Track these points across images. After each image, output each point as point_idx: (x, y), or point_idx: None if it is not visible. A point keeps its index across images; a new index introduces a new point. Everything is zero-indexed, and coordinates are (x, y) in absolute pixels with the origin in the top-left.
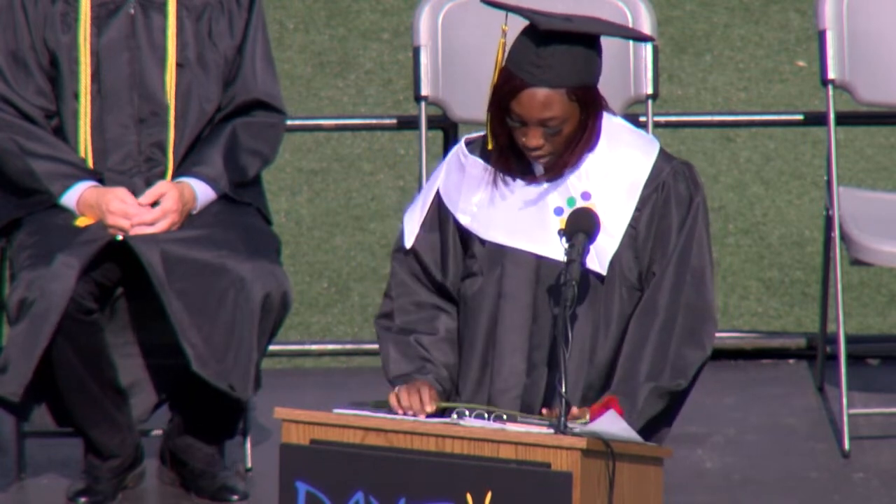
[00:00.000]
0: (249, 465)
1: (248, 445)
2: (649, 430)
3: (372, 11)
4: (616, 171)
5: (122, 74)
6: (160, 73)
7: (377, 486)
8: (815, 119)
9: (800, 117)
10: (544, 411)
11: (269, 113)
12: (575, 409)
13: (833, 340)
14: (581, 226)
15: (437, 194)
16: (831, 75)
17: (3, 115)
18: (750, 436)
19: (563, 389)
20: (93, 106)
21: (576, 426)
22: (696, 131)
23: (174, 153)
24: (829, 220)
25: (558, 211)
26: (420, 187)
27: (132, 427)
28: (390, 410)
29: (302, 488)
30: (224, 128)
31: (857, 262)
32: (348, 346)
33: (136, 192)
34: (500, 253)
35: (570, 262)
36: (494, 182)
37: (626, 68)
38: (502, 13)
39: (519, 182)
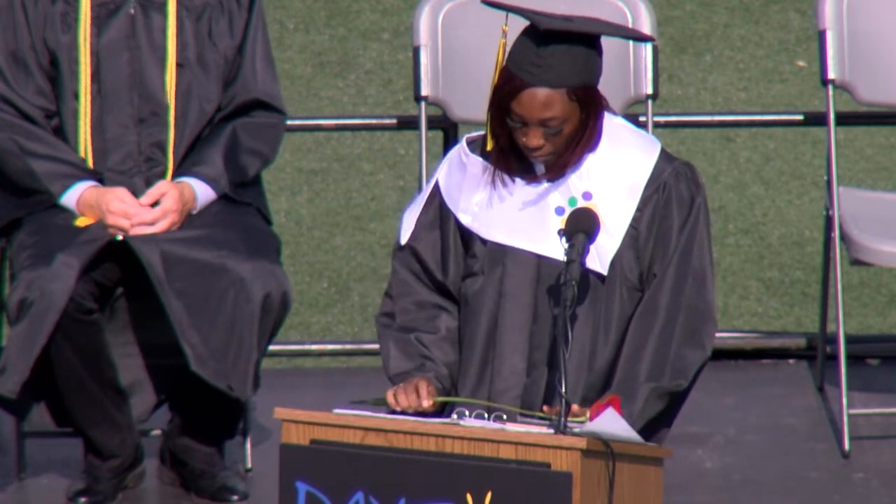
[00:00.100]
0: (249, 465)
1: (248, 445)
2: (649, 430)
3: (372, 11)
4: (617, 171)
5: (122, 74)
6: (160, 73)
7: (377, 486)
8: (815, 119)
9: (800, 117)
10: (545, 409)
11: (269, 113)
12: (575, 407)
13: (833, 340)
14: (581, 226)
15: (439, 194)
16: (831, 75)
17: (3, 115)
18: (750, 436)
19: (563, 389)
20: (93, 106)
21: (576, 426)
22: (696, 131)
23: (174, 153)
24: (829, 220)
25: (559, 211)
26: (420, 187)
27: (132, 427)
28: (389, 408)
29: (302, 488)
30: (224, 128)
31: (857, 262)
32: (348, 346)
33: (136, 192)
34: (500, 252)
35: (570, 262)
36: (495, 181)
37: (626, 68)
38: (502, 13)
39: (520, 182)
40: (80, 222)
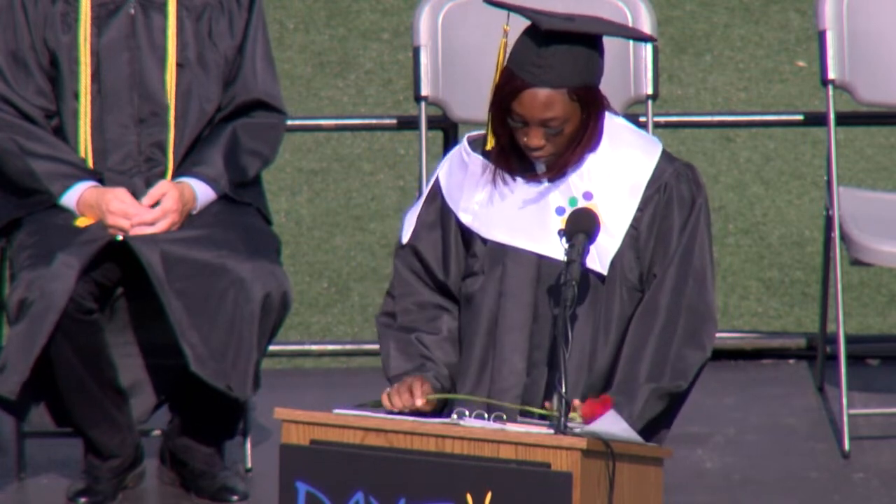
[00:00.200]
0: (249, 465)
1: (248, 445)
2: (649, 431)
3: (372, 11)
4: (618, 171)
5: (122, 74)
6: (160, 73)
7: (377, 487)
8: (815, 119)
9: (800, 117)
10: (547, 405)
11: (269, 113)
12: (576, 401)
13: (833, 340)
14: (581, 226)
15: (440, 193)
16: (831, 75)
17: (3, 115)
18: (750, 436)
19: (563, 389)
20: (93, 106)
21: (576, 426)
22: (696, 131)
23: (174, 153)
24: (829, 220)
25: (560, 211)
26: (420, 187)
27: (132, 427)
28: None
29: (302, 488)
30: (224, 128)
31: (857, 262)
32: (348, 346)
33: (136, 192)
34: (501, 252)
35: (569, 262)
36: (496, 181)
37: (626, 68)
38: (502, 13)
39: (520, 181)
40: (80, 222)
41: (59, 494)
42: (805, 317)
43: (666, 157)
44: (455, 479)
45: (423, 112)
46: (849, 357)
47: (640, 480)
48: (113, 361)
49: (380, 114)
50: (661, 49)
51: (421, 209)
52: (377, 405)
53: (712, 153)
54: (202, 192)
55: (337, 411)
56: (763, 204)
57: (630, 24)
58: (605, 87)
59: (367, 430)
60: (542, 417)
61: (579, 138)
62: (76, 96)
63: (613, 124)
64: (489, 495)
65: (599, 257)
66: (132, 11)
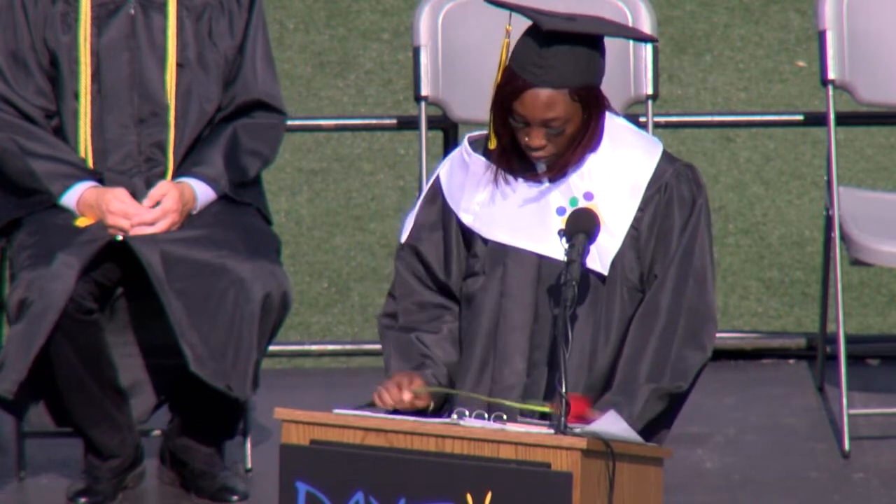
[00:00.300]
0: (249, 465)
1: (248, 445)
2: (649, 431)
3: (372, 11)
4: (619, 172)
5: (122, 74)
6: (160, 73)
7: (377, 487)
8: (815, 119)
9: (800, 117)
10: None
11: (269, 113)
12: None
13: (833, 340)
14: (581, 226)
15: (441, 193)
16: (831, 75)
17: (3, 115)
18: (750, 436)
19: (564, 389)
20: (93, 106)
21: (576, 426)
22: (696, 131)
23: (174, 153)
24: (829, 220)
25: (560, 211)
26: (420, 187)
27: (132, 427)
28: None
29: (302, 488)
30: (225, 129)
31: (857, 262)
32: (348, 346)
33: (136, 193)
34: (502, 252)
35: (569, 262)
36: (497, 180)
37: (626, 68)
38: (503, 13)
39: (521, 181)
40: (80, 222)
41: (59, 494)
42: (805, 317)
43: (666, 157)
44: (455, 479)
45: (423, 112)
46: (849, 357)
47: (640, 480)
48: (113, 361)
49: (380, 114)
50: (661, 49)
51: (422, 210)
52: (370, 404)
53: (712, 153)
54: (202, 193)
55: (337, 411)
56: (763, 204)
57: (630, 24)
58: (605, 87)
59: (367, 430)
60: (542, 416)
61: (580, 138)
62: (76, 96)
63: (614, 124)
64: (489, 495)
65: (600, 257)
66: (132, 11)
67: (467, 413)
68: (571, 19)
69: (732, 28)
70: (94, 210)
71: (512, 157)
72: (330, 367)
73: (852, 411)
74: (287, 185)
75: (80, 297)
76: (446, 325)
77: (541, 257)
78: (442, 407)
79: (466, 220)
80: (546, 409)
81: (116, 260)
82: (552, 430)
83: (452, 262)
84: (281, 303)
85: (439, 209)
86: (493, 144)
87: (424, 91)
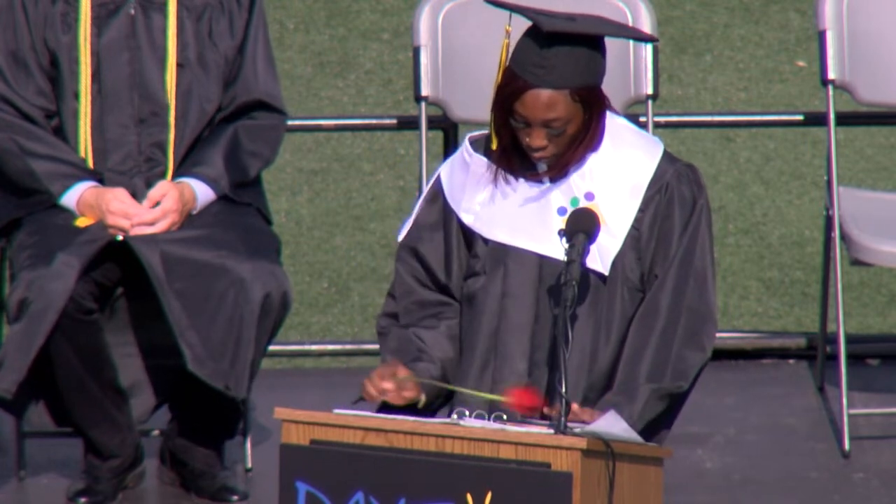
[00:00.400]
0: (249, 465)
1: (248, 445)
2: (649, 431)
3: (372, 11)
4: (620, 172)
5: (122, 74)
6: (160, 74)
7: (377, 486)
8: (815, 119)
9: (800, 117)
10: (545, 410)
11: (269, 114)
12: (575, 406)
13: (833, 340)
14: (581, 226)
15: (442, 193)
16: (831, 75)
17: (3, 115)
18: (750, 436)
19: (564, 389)
20: (93, 106)
21: (576, 426)
22: (696, 131)
23: (174, 153)
24: (829, 220)
25: (561, 211)
26: (420, 187)
27: (132, 427)
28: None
29: (302, 488)
30: (226, 130)
31: (857, 262)
32: (348, 346)
33: (136, 193)
34: (503, 252)
35: (569, 262)
36: (498, 181)
37: (626, 68)
38: (503, 13)
39: (522, 181)
40: (80, 222)
41: (59, 494)
42: (805, 317)
43: (667, 157)
44: (455, 479)
45: (423, 112)
46: (849, 357)
47: (640, 480)
48: (113, 361)
49: (380, 114)
50: (661, 49)
51: (422, 210)
52: (360, 399)
53: (712, 153)
54: (202, 193)
55: (337, 411)
56: (763, 204)
57: (630, 24)
58: (605, 87)
59: (367, 429)
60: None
61: (581, 138)
62: (76, 96)
63: (615, 124)
64: (489, 495)
65: (601, 257)
66: (132, 11)
67: (467, 413)
68: (571, 20)
69: (732, 28)
70: (94, 210)
71: (513, 157)
72: (330, 367)
73: (852, 411)
74: (287, 185)
75: (80, 296)
76: (444, 322)
77: (542, 257)
78: (435, 402)
79: (467, 220)
80: (497, 398)
81: (116, 260)
82: (552, 430)
83: (453, 262)
84: (281, 303)
85: (440, 209)
86: (494, 145)
87: (424, 91)
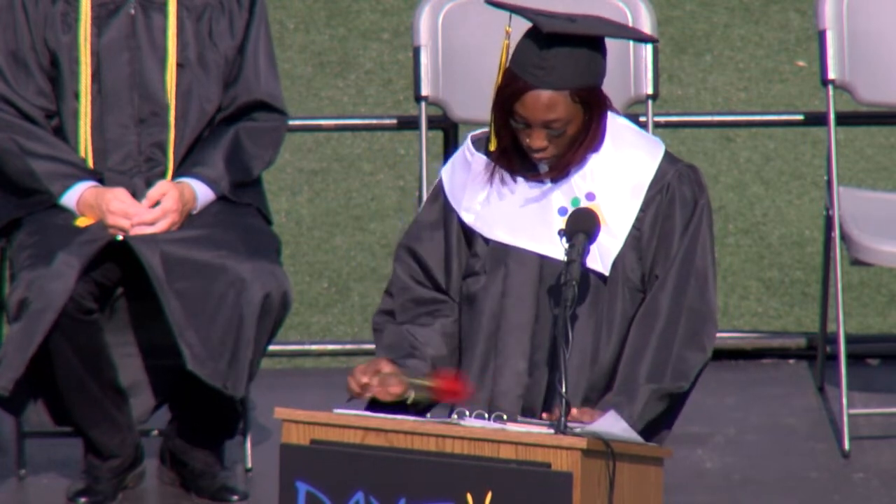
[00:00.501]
0: (249, 465)
1: (248, 445)
2: (649, 432)
3: (372, 11)
4: (621, 172)
5: (122, 74)
6: (160, 74)
7: (377, 486)
8: (815, 119)
9: (800, 117)
10: (545, 416)
11: (270, 114)
12: (574, 411)
13: (833, 340)
14: (581, 226)
15: (443, 192)
16: (831, 75)
17: (3, 115)
18: (750, 436)
19: (564, 390)
20: (93, 106)
21: (576, 426)
22: (696, 131)
23: (174, 153)
24: (829, 220)
25: (562, 211)
26: (420, 187)
27: (132, 427)
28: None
29: (302, 488)
30: (227, 131)
31: (857, 262)
32: (348, 346)
33: (136, 193)
34: (503, 252)
35: (570, 262)
36: (499, 180)
37: (626, 68)
38: (503, 13)
39: (523, 181)
40: (80, 222)
41: (59, 494)
42: (805, 317)
43: (668, 157)
44: (455, 478)
45: (424, 112)
46: (849, 357)
47: (640, 480)
48: (113, 361)
49: (380, 114)
50: (661, 49)
51: (424, 209)
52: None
53: (712, 153)
54: (202, 193)
55: (337, 411)
56: (763, 204)
57: (630, 24)
58: (605, 87)
59: (367, 429)
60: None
61: (582, 139)
62: (76, 96)
63: (616, 125)
64: (489, 495)
65: (601, 257)
66: (132, 11)
67: (467, 413)
68: (571, 20)
69: (732, 28)
70: (94, 210)
71: (513, 157)
72: (330, 367)
73: (852, 411)
74: (287, 185)
75: (79, 296)
76: (439, 320)
77: (542, 257)
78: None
79: (468, 219)
80: (426, 383)
81: (116, 260)
82: (552, 430)
83: (453, 262)
84: (281, 303)
85: (441, 208)
86: (493, 146)
87: (424, 91)
